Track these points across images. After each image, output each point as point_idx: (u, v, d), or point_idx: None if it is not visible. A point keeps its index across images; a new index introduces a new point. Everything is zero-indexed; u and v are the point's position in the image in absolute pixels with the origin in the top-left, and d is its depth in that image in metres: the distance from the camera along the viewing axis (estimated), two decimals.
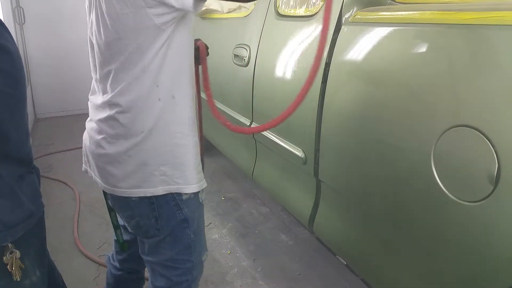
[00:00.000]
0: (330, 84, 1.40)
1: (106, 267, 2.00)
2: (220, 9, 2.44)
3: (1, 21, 0.91)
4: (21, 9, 4.33)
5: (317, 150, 1.50)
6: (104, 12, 1.00)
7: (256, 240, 2.29)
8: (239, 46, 2.08)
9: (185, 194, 1.16)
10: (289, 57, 1.65)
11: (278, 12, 1.82)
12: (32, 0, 4.36)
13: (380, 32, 1.22)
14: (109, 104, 1.07)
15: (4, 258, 0.90)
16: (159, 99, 1.05)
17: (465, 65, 0.97)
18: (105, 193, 1.35)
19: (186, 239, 1.22)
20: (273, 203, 2.67)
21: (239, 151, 2.34)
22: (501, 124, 0.87)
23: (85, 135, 1.21)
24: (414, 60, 1.10)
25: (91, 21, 1.08)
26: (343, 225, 1.47)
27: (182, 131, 1.11)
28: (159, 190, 1.11)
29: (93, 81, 1.18)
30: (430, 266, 1.09)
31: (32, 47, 4.51)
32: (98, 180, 1.17)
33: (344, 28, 1.38)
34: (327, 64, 1.41)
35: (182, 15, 1.03)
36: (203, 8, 2.53)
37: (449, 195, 0.97)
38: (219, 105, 2.33)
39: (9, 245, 0.91)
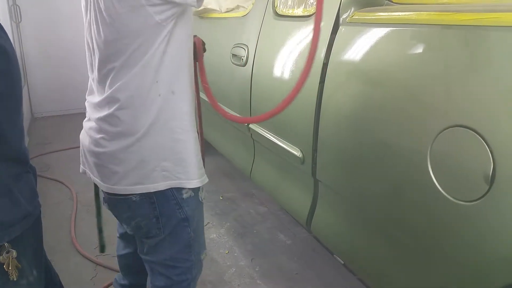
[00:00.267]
0: (328, 84, 1.40)
1: (103, 266, 2.02)
2: (218, 9, 2.44)
3: None
4: (17, 7, 4.31)
5: (314, 150, 1.50)
6: (103, 11, 0.99)
7: (254, 239, 2.29)
8: (237, 45, 2.08)
9: (186, 191, 1.16)
10: (287, 57, 1.65)
11: (276, 12, 1.82)
12: None
13: (378, 33, 1.22)
14: (108, 101, 1.06)
15: (1, 257, 0.90)
16: (159, 95, 1.05)
17: (461, 66, 0.97)
18: (96, 196, 1.35)
19: (186, 238, 1.22)
20: (271, 203, 2.67)
21: (237, 151, 2.34)
22: (496, 125, 0.88)
23: (83, 135, 1.20)
24: (411, 61, 1.11)
25: (88, 21, 1.07)
26: (340, 224, 1.47)
27: (182, 127, 1.11)
28: (161, 185, 1.11)
29: (90, 80, 1.17)
30: (426, 265, 1.09)
31: (29, 45, 4.49)
32: (98, 180, 1.16)
33: (341, 29, 1.38)
34: (325, 65, 1.41)
35: (182, 10, 1.03)
36: (201, 8, 2.54)
37: (445, 194, 0.98)
38: None
39: (6, 244, 0.91)
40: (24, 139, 1.01)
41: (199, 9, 2.55)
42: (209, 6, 2.49)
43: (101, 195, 1.26)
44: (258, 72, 1.88)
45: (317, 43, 1.03)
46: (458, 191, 0.95)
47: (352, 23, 1.34)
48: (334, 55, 1.38)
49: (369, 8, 1.34)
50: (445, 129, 0.97)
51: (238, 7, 2.29)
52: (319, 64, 1.43)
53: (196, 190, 1.19)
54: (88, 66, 1.15)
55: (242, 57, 2.00)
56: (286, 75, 1.66)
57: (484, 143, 0.88)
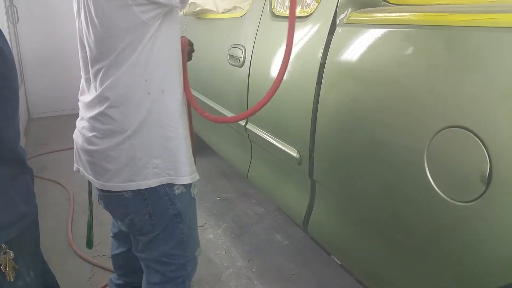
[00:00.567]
0: (325, 85, 1.40)
1: (100, 267, 2.01)
2: (215, 9, 2.44)
3: None
4: (14, 7, 4.29)
5: (312, 151, 1.50)
6: (92, 12, 1.01)
7: (251, 240, 2.30)
8: (234, 46, 2.08)
9: (177, 187, 1.18)
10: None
11: (273, 13, 1.82)
12: None
13: (375, 34, 1.22)
14: (99, 99, 1.09)
15: None
16: (149, 93, 1.08)
17: (458, 67, 0.97)
18: (90, 193, 1.38)
19: (180, 234, 1.24)
20: (268, 203, 2.67)
21: (234, 151, 2.34)
22: (493, 125, 0.88)
23: (76, 134, 1.22)
24: (408, 62, 1.11)
25: (81, 22, 1.10)
26: (337, 225, 1.48)
27: (173, 124, 1.13)
28: (152, 182, 1.14)
29: (83, 80, 1.20)
30: (423, 266, 1.10)
31: (26, 46, 4.48)
32: (91, 177, 1.18)
33: (338, 29, 1.38)
34: (322, 65, 1.42)
35: (167, 10, 1.05)
36: (198, 8, 2.54)
37: (442, 195, 0.98)
38: (214, 105, 2.33)
39: (3, 245, 0.91)
40: (21, 140, 1.01)
41: (196, 9, 2.56)
42: (206, 7, 2.49)
43: (95, 193, 1.28)
44: (255, 73, 1.88)
45: (292, 38, 1.10)
46: (455, 192, 0.95)
47: (349, 24, 1.34)
48: (331, 55, 1.38)
49: (366, 9, 1.35)
50: (442, 130, 0.98)
51: (235, 7, 2.29)
52: (316, 64, 1.44)
53: (188, 186, 1.21)
54: (81, 66, 1.18)
55: (239, 58, 2.00)
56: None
57: (481, 144, 0.88)
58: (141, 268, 1.37)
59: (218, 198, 2.78)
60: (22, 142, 3.56)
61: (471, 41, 0.95)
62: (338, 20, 1.39)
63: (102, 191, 1.18)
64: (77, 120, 1.23)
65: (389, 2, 1.36)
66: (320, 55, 1.42)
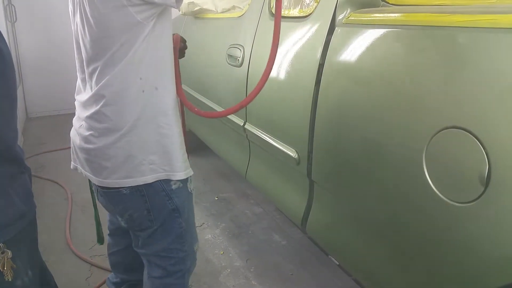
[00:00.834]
0: (324, 85, 1.40)
1: (98, 267, 2.01)
2: (214, 9, 2.44)
3: None
4: (12, 6, 4.28)
5: (310, 151, 1.50)
6: (88, 13, 1.03)
7: (249, 240, 2.29)
8: (233, 46, 2.08)
9: (174, 183, 1.21)
10: (283, 57, 1.65)
11: (272, 13, 1.82)
12: None
13: (374, 34, 1.22)
14: (95, 98, 1.11)
15: None
16: (143, 91, 1.10)
17: (457, 68, 0.98)
18: (91, 190, 1.40)
19: (178, 229, 1.27)
20: (266, 203, 2.67)
21: (232, 151, 2.34)
22: (491, 126, 0.88)
23: (73, 133, 1.24)
24: (407, 62, 1.11)
25: (76, 23, 1.12)
26: (336, 225, 1.48)
27: (167, 121, 1.16)
28: (149, 178, 1.16)
29: (79, 80, 1.22)
30: (421, 266, 1.10)
31: (24, 45, 4.46)
32: (89, 175, 1.20)
33: (337, 30, 1.38)
34: (321, 65, 1.42)
35: (162, 9, 1.08)
36: (197, 8, 2.54)
37: (441, 196, 0.98)
38: (213, 105, 2.33)
39: (1, 245, 0.91)
40: (19, 139, 1.01)
41: (195, 9, 2.55)
42: (205, 7, 2.49)
43: (95, 190, 1.30)
44: (253, 73, 1.88)
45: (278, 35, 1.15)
46: (454, 192, 0.95)
47: (348, 24, 1.34)
48: (330, 56, 1.39)
49: (365, 9, 1.35)
50: (440, 131, 0.98)
51: (234, 7, 2.29)
52: (315, 64, 1.44)
53: (184, 181, 1.24)
54: (77, 66, 1.20)
55: (238, 58, 2.00)
56: (282, 76, 1.66)
57: (480, 145, 0.89)
58: (137, 266, 1.40)
59: (216, 198, 2.78)
60: (20, 141, 3.55)
61: (471, 42, 0.95)
62: (337, 20, 1.39)
63: (101, 187, 1.21)
64: (74, 119, 1.25)
65: (388, 3, 1.36)
66: (319, 55, 1.42)
